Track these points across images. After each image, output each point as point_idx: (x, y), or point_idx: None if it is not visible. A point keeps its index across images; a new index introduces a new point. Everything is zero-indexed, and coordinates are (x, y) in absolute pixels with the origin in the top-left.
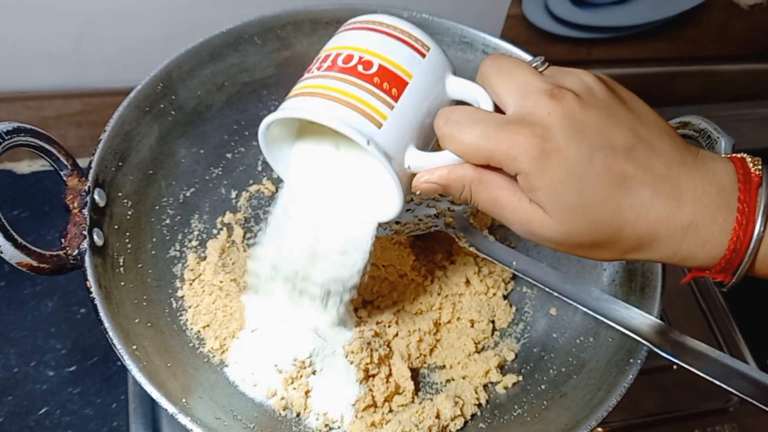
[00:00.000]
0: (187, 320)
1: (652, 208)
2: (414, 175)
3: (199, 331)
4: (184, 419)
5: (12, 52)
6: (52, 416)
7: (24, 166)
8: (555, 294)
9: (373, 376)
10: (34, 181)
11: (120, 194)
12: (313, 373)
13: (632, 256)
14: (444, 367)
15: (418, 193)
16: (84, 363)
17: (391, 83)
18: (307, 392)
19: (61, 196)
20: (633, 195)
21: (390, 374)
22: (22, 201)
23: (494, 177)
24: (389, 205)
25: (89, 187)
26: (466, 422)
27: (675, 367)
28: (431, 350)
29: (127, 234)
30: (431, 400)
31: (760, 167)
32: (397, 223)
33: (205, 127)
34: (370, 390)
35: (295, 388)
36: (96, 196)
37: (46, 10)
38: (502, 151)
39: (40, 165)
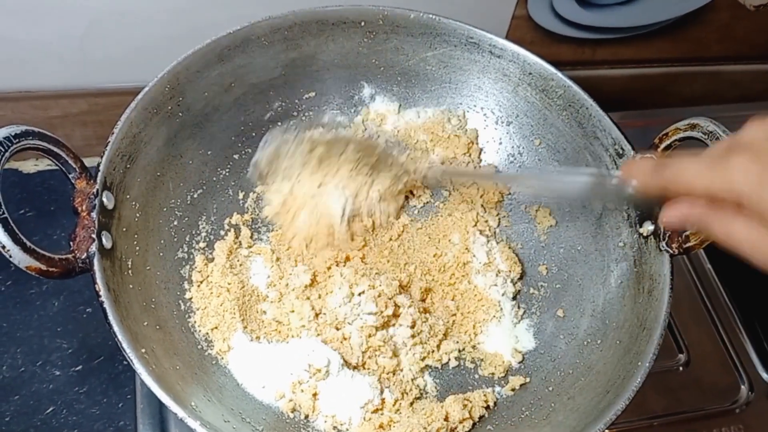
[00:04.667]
0: (195, 322)
1: None
2: None
3: (207, 334)
4: (193, 423)
5: (18, 52)
6: (58, 415)
7: (30, 166)
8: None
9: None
10: (41, 180)
11: (128, 196)
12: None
13: None
14: None
15: None
16: (90, 362)
17: None
18: (315, 394)
19: (68, 195)
20: None
21: (398, 377)
22: (28, 200)
23: (724, 212)
24: None
25: (97, 189)
26: (474, 424)
27: (681, 368)
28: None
29: (135, 236)
30: (439, 402)
31: None
32: None
33: (213, 128)
34: (379, 392)
35: (303, 391)
36: (104, 199)
37: (52, 10)
38: (719, 182)
39: (46, 164)
